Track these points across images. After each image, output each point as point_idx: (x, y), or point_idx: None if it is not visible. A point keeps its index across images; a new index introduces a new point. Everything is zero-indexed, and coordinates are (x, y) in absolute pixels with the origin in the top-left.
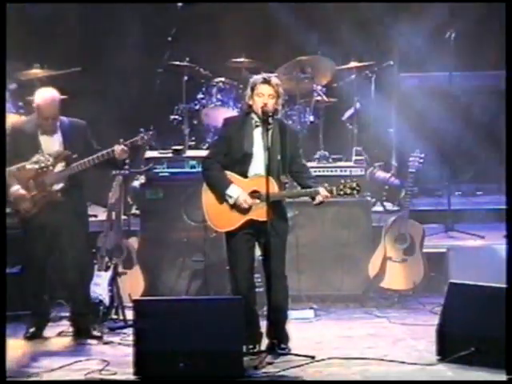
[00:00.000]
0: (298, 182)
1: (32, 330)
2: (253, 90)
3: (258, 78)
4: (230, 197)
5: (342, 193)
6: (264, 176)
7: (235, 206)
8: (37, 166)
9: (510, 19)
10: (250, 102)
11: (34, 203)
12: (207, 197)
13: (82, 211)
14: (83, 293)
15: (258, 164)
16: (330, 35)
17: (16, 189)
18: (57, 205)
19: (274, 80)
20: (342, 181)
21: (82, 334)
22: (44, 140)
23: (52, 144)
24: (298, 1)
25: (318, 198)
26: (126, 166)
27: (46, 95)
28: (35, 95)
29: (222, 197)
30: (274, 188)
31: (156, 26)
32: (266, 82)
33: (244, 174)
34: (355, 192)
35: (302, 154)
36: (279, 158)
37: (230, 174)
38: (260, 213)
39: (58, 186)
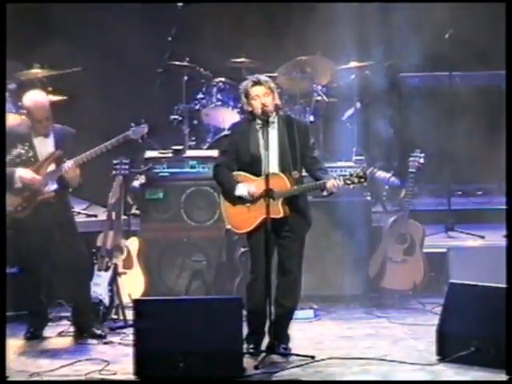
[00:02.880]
0: (310, 175)
1: (32, 330)
2: (247, 95)
3: (246, 83)
4: (244, 197)
5: (349, 182)
6: (276, 174)
7: (252, 203)
8: (18, 160)
9: (510, 19)
10: (250, 109)
11: (29, 202)
12: (225, 201)
13: (70, 211)
14: (83, 292)
15: (265, 164)
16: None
17: (23, 172)
18: (49, 205)
19: (263, 78)
20: (348, 170)
21: (83, 333)
22: (39, 142)
23: (46, 146)
24: (299, 1)
25: (327, 190)
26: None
27: (35, 98)
28: (24, 99)
29: (234, 200)
30: (286, 184)
31: (156, 26)
32: (256, 83)
33: (258, 176)
34: (363, 180)
35: (313, 146)
36: (289, 153)
37: (244, 175)
38: (275, 210)
39: (52, 187)
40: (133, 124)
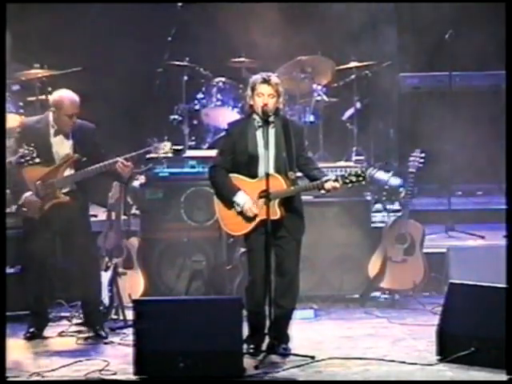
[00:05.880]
0: (305, 175)
1: (32, 330)
2: (253, 89)
3: (257, 77)
4: (238, 204)
5: (347, 181)
6: (272, 175)
7: (241, 214)
8: (22, 160)
9: (510, 19)
10: (251, 102)
11: (42, 206)
12: (219, 203)
13: (85, 212)
14: (94, 293)
15: (265, 164)
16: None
17: (29, 195)
18: (62, 206)
19: (274, 79)
20: (346, 170)
21: (91, 331)
22: (57, 141)
23: (64, 146)
24: (301, 1)
25: (325, 190)
26: (136, 182)
27: (66, 92)
28: (56, 94)
29: (230, 203)
30: (283, 185)
31: (156, 26)
32: (266, 81)
33: (254, 176)
34: (361, 179)
35: (307, 147)
36: (285, 154)
37: (238, 177)
38: (271, 212)
39: (65, 189)
40: (155, 139)
